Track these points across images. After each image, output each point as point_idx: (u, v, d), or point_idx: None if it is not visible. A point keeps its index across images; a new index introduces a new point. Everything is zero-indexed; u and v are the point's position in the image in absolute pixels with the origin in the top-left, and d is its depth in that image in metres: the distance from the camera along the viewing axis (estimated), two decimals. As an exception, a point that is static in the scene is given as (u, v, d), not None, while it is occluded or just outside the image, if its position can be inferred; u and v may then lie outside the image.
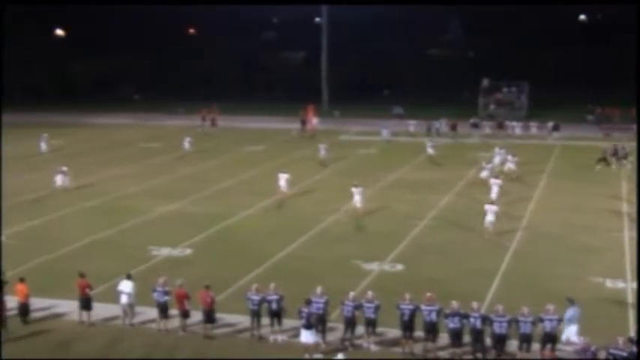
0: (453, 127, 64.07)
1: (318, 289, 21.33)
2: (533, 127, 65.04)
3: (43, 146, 55.95)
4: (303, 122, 66.99)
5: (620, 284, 26.16)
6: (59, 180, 41.59)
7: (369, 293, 21.45)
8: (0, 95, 79.41)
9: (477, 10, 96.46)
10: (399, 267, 28.07)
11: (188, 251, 30.20)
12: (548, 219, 35.51)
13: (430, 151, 51.90)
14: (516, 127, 65.22)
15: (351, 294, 21.68)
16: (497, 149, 46.93)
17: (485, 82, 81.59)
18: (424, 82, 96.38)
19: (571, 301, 21.22)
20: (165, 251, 30.05)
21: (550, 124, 63.19)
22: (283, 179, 40.06)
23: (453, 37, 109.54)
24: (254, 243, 31.31)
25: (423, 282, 25.53)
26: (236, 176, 46.20)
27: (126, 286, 22.62)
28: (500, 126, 65.74)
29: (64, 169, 42.38)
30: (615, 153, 49.61)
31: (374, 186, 42.94)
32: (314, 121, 68.22)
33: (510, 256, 29.46)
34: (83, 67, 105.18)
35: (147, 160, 52.34)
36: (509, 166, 45.59)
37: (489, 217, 31.90)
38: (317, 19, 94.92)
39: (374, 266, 28.09)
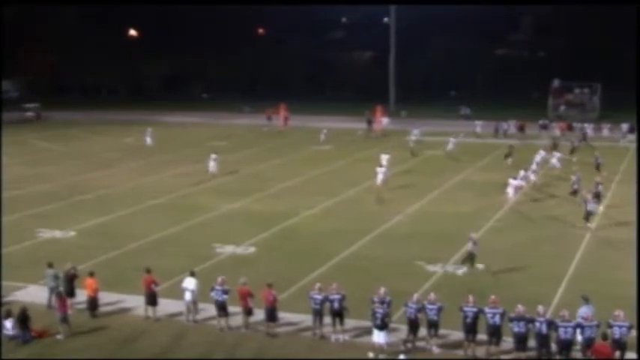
0: (521, 129, 62.99)
1: (382, 290, 21.20)
2: (605, 129, 63.45)
3: (149, 140, 58.16)
4: (370, 122, 66.88)
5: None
6: (212, 167, 44.62)
7: (432, 295, 21.24)
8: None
9: (548, 8, 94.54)
10: (463, 270, 27.72)
11: (252, 249, 30.41)
12: (620, 223, 34.53)
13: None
14: (587, 129, 63.65)
15: (415, 296, 21.47)
16: (541, 151, 46.77)
17: (556, 83, 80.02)
18: (492, 82, 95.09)
19: (585, 300, 20.95)
20: (229, 249, 30.33)
21: (625, 125, 61.53)
22: (385, 159, 44.30)
23: (523, 37, 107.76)
24: (317, 242, 31.35)
25: (487, 284, 25.17)
26: (301, 175, 46.38)
27: (189, 283, 22.90)
28: (570, 127, 64.38)
29: (215, 156, 45.06)
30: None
31: (440, 187, 42.60)
32: (383, 120, 68.07)
33: (579, 261, 28.78)
34: (154, 67, 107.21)
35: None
36: (554, 162, 45.80)
37: (509, 190, 37.53)
38: (385, 19, 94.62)
39: (437, 268, 27.81)
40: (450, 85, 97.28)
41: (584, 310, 20.33)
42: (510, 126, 64.28)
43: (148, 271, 23.38)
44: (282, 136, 64.82)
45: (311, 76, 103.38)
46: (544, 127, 63.95)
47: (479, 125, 64.77)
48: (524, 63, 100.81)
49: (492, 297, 20.63)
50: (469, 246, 27.51)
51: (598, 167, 45.72)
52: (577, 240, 31.49)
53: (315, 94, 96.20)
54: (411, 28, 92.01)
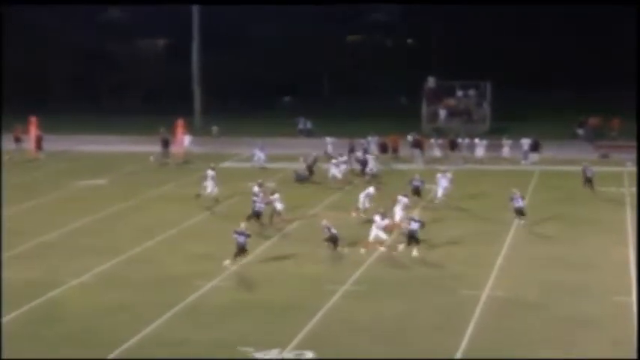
0: (384, 148, 64.09)
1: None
2: (505, 147, 65.33)
3: None
4: (166, 143, 66.22)
5: (627, 368, 26.68)
6: (210, 187, 48.92)
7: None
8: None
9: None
10: (310, 356, 27.88)
11: (-11, 340, 29.30)
12: (524, 278, 35.88)
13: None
14: (477, 147, 65.54)
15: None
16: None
17: (431, 83, 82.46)
18: (343, 82, 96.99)
19: None
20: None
21: (525, 141, 64.10)
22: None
23: (387, 19, 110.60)
24: (93, 324, 30.64)
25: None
26: (65, 225, 45.33)
27: None
28: (453, 145, 66.00)
29: (212, 173, 49.75)
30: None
31: (275, 235, 42.79)
32: (185, 140, 67.68)
33: (472, 333, 29.58)
34: None
35: None
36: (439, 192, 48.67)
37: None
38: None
39: (272, 355, 27.81)
40: (283, 87, 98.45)
41: None
42: (371, 144, 65.34)
43: None
44: (35, 166, 63.11)
45: (78, 75, 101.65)
46: (416, 146, 65.10)
47: (330, 144, 65.62)
48: (388, 54, 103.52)
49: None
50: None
51: (418, 192, 48.69)
52: (469, 305, 32.29)
53: (84, 102, 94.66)
54: (226, 8, 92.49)
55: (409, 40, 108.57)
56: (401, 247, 39.38)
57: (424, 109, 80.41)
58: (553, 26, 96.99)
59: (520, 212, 43.98)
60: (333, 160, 56.97)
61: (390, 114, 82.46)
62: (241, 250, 36.56)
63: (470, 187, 52.40)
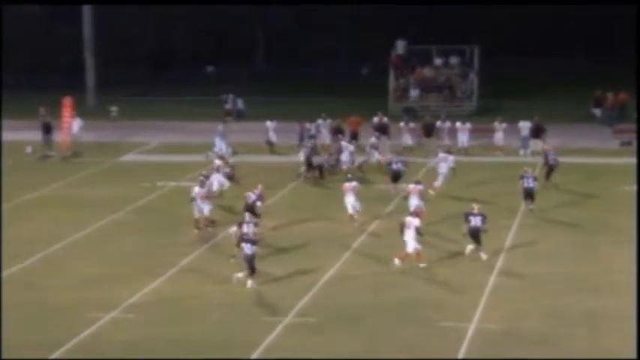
0: (338, 133, 63.47)
1: None
2: (498, 132, 65.00)
3: None
4: (48, 129, 65.73)
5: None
6: (216, 183, 49.24)
7: None
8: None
9: None
10: None
11: None
12: (527, 305, 35.90)
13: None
14: (460, 132, 65.22)
15: None
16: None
17: (401, 48, 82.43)
18: (285, 48, 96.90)
19: None
20: None
21: (524, 125, 64.16)
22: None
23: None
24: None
25: None
26: None
27: None
28: (429, 130, 65.55)
29: (219, 163, 51.72)
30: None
31: (195, 250, 42.70)
32: (74, 125, 67.10)
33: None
34: None
35: None
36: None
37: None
38: None
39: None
40: (204, 54, 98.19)
41: None
42: (321, 129, 65.01)
43: None
44: None
45: None
46: (381, 130, 64.60)
47: (271, 129, 65.23)
48: (343, 11, 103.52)
49: None
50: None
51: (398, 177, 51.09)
52: (451, 341, 32.30)
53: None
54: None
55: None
56: (469, 248, 41.25)
57: (391, 83, 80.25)
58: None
59: (529, 195, 47.53)
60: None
61: (346, 89, 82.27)
62: (251, 265, 37.07)
63: (451, 184, 52.41)
